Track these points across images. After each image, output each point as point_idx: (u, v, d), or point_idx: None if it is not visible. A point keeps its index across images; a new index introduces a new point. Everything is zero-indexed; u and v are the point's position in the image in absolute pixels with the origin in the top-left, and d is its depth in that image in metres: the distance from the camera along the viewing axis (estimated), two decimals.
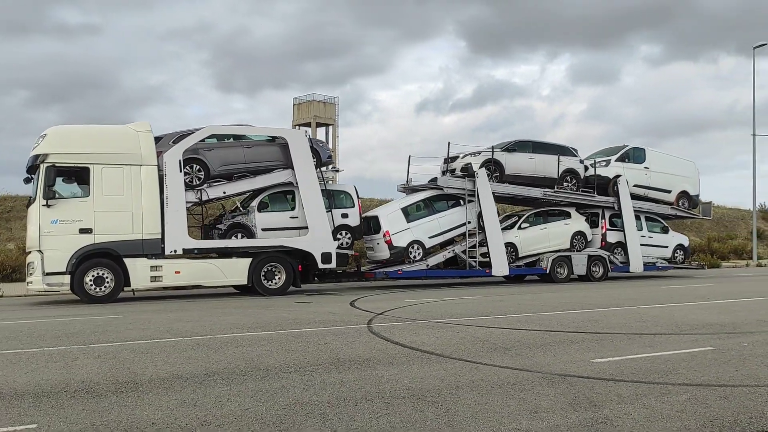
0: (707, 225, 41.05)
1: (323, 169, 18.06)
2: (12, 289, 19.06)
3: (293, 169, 17.43)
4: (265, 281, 16.91)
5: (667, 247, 24.28)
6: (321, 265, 17.48)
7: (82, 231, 14.96)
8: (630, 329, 9.75)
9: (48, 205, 14.65)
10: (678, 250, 24.61)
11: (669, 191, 24.40)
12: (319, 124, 68.37)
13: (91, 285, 15.08)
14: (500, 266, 20.24)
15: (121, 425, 4.93)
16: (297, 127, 55.50)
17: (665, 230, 24.50)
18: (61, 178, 14.95)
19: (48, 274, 14.66)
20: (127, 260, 15.32)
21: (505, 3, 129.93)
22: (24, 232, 32.16)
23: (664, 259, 24.12)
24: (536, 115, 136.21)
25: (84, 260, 14.98)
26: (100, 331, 9.94)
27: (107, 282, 15.22)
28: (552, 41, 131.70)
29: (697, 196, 25.35)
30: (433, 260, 19.72)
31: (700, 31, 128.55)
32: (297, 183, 17.43)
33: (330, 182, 18.26)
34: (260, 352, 7.95)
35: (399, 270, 19.10)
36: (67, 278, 14.81)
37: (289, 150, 17.39)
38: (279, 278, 17.14)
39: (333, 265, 17.66)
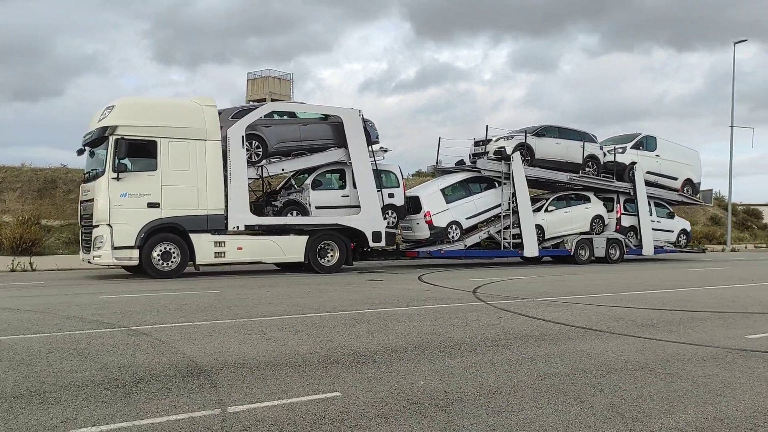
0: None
1: (373, 148, 18.21)
2: (43, 263, 18.65)
3: (347, 148, 17.57)
4: (319, 258, 17.10)
5: (672, 231, 25.46)
6: (372, 244, 17.76)
7: (150, 205, 14.80)
8: (735, 308, 10.46)
9: (118, 178, 14.42)
10: (681, 235, 25.85)
11: (676, 178, 25.55)
12: (274, 100, 67.64)
13: (159, 260, 14.97)
14: (531, 247, 20.92)
15: (413, 394, 5.23)
16: (250, 102, 54.74)
17: (671, 215, 25.68)
18: (129, 151, 14.68)
19: (117, 248, 14.49)
20: (192, 235, 15.25)
21: None
22: (18, 205, 31.45)
23: (669, 243, 25.31)
24: (477, 98, 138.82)
25: (151, 235, 14.85)
26: (236, 306, 10.04)
27: (174, 257, 15.14)
28: (495, 27, 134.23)
29: (699, 183, 26.63)
30: (470, 240, 20.23)
31: (635, 24, 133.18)
32: (350, 162, 17.59)
33: (381, 161, 18.43)
34: (429, 327, 8.26)
35: (441, 250, 19.53)
36: (135, 252, 14.66)
37: (344, 129, 17.51)
38: (331, 256, 17.35)
39: (383, 243, 17.96)
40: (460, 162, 22.47)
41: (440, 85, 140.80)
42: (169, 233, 15.11)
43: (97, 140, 14.97)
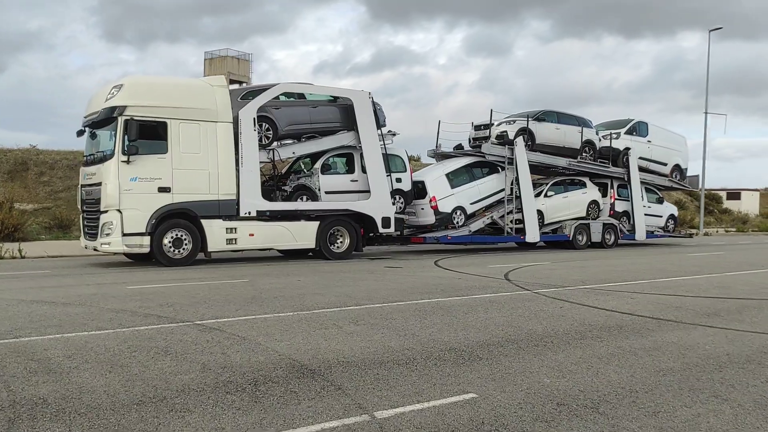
0: None
1: (382, 131, 17.78)
2: (31, 250, 17.76)
3: (357, 131, 17.11)
4: (330, 245, 16.68)
5: (661, 216, 25.81)
6: (381, 230, 17.41)
7: (161, 190, 14.12)
8: None
9: (128, 162, 13.69)
10: (670, 220, 26.24)
11: (665, 164, 25.83)
12: (232, 81, 66.11)
13: (170, 247, 14.33)
14: (533, 233, 20.87)
15: (551, 394, 4.98)
16: None
17: (660, 201, 26.00)
18: (140, 133, 13.93)
19: (126, 234, 13.80)
20: (204, 221, 14.64)
21: None
22: None
23: (659, 228, 25.66)
24: (431, 83, 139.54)
25: (162, 221, 14.19)
26: (282, 296, 9.59)
27: (185, 244, 14.51)
28: (450, 12, 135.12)
29: (686, 169, 27.03)
30: (475, 226, 20.05)
31: (587, 11, 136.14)
32: (360, 146, 17.15)
33: (389, 145, 18.03)
34: (503, 319, 8.01)
35: (448, 235, 19.29)
36: (146, 239, 13.98)
37: (353, 111, 17.03)
38: (341, 242, 16.95)
39: (392, 229, 17.64)
40: (459, 146, 22.25)
41: (395, 68, 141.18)
42: (180, 219, 14.46)
43: (102, 121, 14.17)
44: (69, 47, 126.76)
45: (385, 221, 17.40)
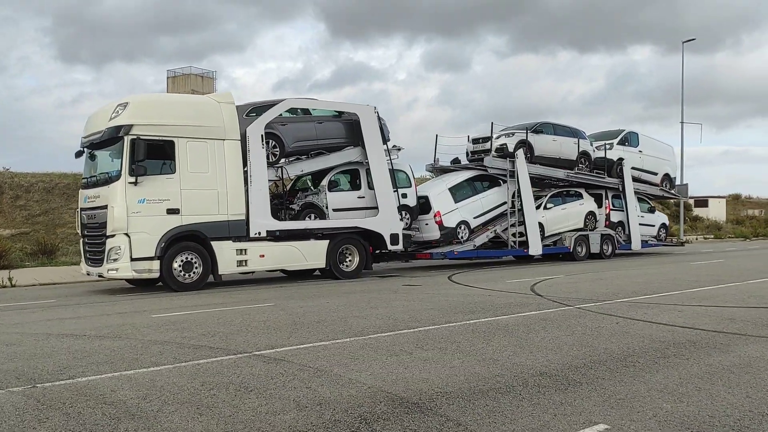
0: None
1: (388, 147, 17.44)
2: (20, 278, 16.91)
3: (363, 146, 16.73)
4: (339, 264, 16.23)
5: (654, 225, 25.93)
6: (390, 247, 17.01)
7: (170, 211, 13.51)
8: None
9: (136, 183, 13.07)
10: (662, 229, 26.38)
11: (656, 173, 26.00)
12: None
13: (180, 271, 13.71)
14: (536, 245, 20.71)
15: (687, 422, 4.67)
16: None
17: (652, 210, 26.14)
18: (147, 153, 13.32)
19: (135, 259, 13.15)
20: (213, 243, 14.06)
21: None
22: None
23: (652, 237, 25.77)
24: (392, 98, 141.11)
25: (172, 244, 13.57)
26: (323, 321, 9.12)
27: (195, 267, 13.90)
28: (409, 28, 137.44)
29: (675, 178, 27.29)
30: (479, 240, 19.78)
31: (541, 27, 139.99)
32: (367, 161, 16.77)
33: (395, 160, 17.67)
34: (570, 339, 7.70)
35: (454, 251, 18.98)
36: (156, 264, 13.34)
37: (360, 126, 16.66)
38: (351, 260, 16.50)
39: (400, 246, 17.25)
40: (455, 160, 22.03)
41: (355, 84, 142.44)
42: (190, 242, 13.87)
43: (106, 141, 13.53)
44: (21, 68, 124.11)
45: (394, 238, 17.02)
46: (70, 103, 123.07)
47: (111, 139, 13.37)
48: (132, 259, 13.11)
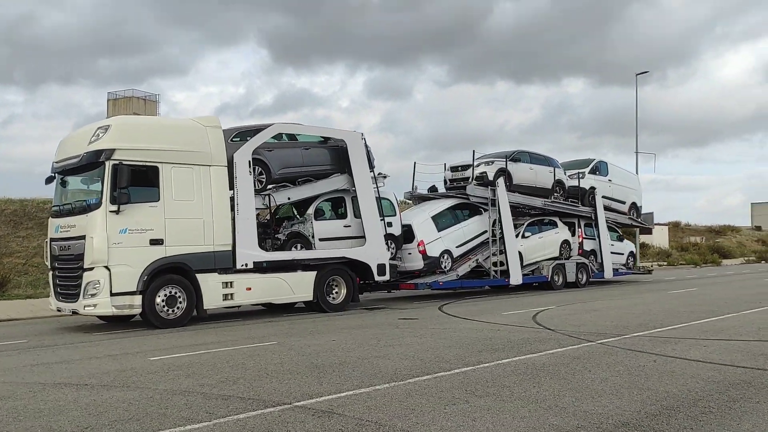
0: None
1: (375, 174, 16.93)
2: None
3: (350, 174, 16.17)
4: (326, 296, 15.51)
5: (623, 254, 26.16)
6: (377, 278, 16.41)
7: (153, 242, 12.58)
8: None
9: (118, 211, 12.12)
10: (630, 257, 26.67)
11: (624, 202, 26.31)
12: None
13: (163, 306, 12.74)
14: (516, 275, 20.46)
15: None
16: None
17: (621, 238, 26.43)
18: (130, 179, 12.39)
19: (115, 294, 12.14)
20: (199, 276, 13.18)
21: (308, 15, 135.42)
22: None
23: (622, 265, 25.96)
24: (335, 125, 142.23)
25: (155, 277, 12.62)
26: (347, 363, 8.43)
27: (180, 302, 12.96)
28: (351, 56, 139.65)
29: (641, 207, 27.68)
30: (462, 270, 19.36)
31: (480, 58, 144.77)
32: (354, 189, 16.20)
33: (381, 188, 17.15)
34: (617, 381, 7.28)
35: (439, 281, 18.49)
36: (137, 299, 12.36)
37: (347, 153, 16.10)
38: (337, 292, 15.80)
39: (387, 277, 16.67)
40: (433, 188, 21.70)
41: (298, 110, 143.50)
42: (174, 274, 12.94)
43: (85, 166, 12.55)
44: None
45: (381, 268, 16.43)
46: (0, 124, 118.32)
47: (90, 164, 12.40)
48: (112, 294, 12.10)
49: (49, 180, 13.63)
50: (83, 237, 12.21)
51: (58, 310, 13.23)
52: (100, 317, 13.84)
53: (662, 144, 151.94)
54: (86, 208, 12.41)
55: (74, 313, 12.69)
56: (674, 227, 77.29)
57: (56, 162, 13.42)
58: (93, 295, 12.09)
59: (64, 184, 13.45)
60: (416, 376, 7.55)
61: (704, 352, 9.02)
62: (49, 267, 13.54)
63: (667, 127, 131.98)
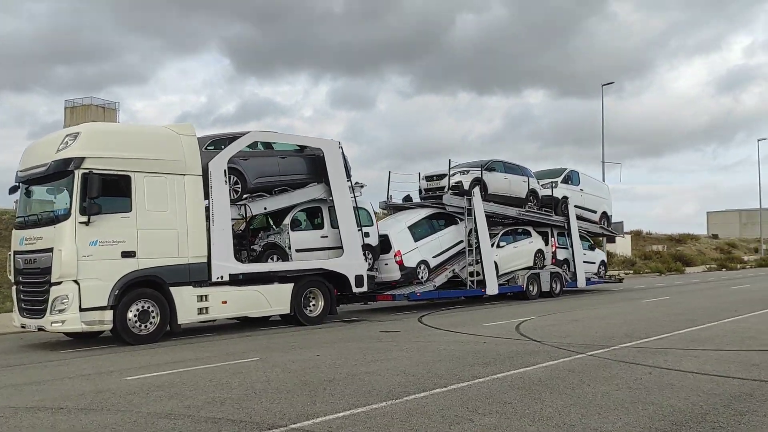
0: None
1: (352, 183, 16.60)
2: None
3: (327, 183, 15.82)
4: (304, 308, 15.11)
5: (594, 263, 26.26)
6: (355, 289, 16.06)
7: (125, 254, 12.03)
8: None
9: (88, 222, 11.56)
10: (601, 266, 26.80)
11: (595, 211, 26.45)
12: None
13: (136, 321, 12.19)
14: (492, 285, 20.31)
15: None
16: None
17: (592, 248, 26.57)
18: (101, 189, 11.83)
19: (85, 309, 11.56)
20: (172, 289, 12.66)
21: (270, 24, 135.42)
22: None
23: (594, 274, 26.08)
24: (298, 134, 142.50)
25: (127, 291, 12.07)
26: (340, 380, 8.08)
27: (153, 317, 12.42)
28: (314, 66, 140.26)
29: (611, 216, 27.91)
30: (438, 280, 19.12)
31: (442, 69, 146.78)
32: (332, 199, 15.86)
33: (358, 198, 16.83)
34: (625, 395, 7.11)
35: (416, 292, 18.21)
36: (108, 314, 11.78)
37: (324, 162, 15.76)
38: (314, 305, 15.40)
39: (365, 288, 16.33)
40: (407, 198, 21.49)
41: (261, 119, 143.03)
42: (146, 288, 12.41)
43: (52, 175, 11.97)
44: None
45: (359, 279, 16.09)
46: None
47: (59, 173, 11.83)
48: (81, 310, 11.51)
49: (12, 190, 12.98)
50: (50, 250, 11.61)
51: (23, 327, 12.54)
52: (68, 334, 13.19)
53: (621, 154, 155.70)
54: (54, 219, 11.83)
55: (40, 329, 12.04)
56: (636, 236, 78.57)
57: (21, 171, 12.80)
58: (61, 311, 11.48)
59: (28, 194, 12.82)
60: (412, 393, 7.26)
61: (697, 363, 8.94)
62: (13, 281, 12.88)
63: (625, 137, 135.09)
